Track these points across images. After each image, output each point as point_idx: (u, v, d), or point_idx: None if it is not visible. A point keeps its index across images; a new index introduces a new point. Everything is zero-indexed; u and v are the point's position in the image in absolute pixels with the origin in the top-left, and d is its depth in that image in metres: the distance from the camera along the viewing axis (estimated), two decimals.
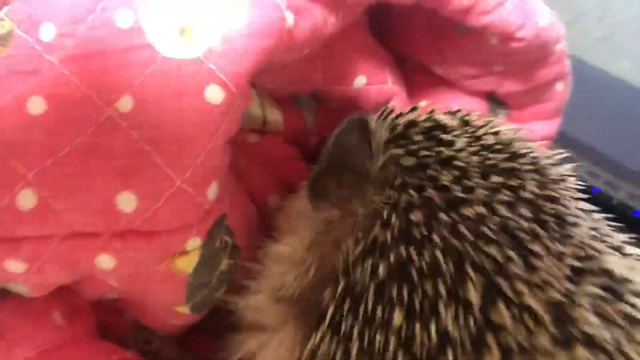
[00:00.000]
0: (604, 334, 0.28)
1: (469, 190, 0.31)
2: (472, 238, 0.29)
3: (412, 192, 0.31)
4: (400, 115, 0.36)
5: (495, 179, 0.31)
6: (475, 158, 0.32)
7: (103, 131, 0.29)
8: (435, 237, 0.29)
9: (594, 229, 0.32)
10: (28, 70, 0.28)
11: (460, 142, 0.33)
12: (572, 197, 0.33)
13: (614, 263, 0.31)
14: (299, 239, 0.35)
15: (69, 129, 0.29)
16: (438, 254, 0.29)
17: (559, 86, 0.46)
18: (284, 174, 0.44)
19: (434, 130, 0.34)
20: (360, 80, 0.43)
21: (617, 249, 0.32)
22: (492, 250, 0.29)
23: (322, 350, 0.30)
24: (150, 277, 0.33)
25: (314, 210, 0.35)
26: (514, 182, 0.31)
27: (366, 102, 0.43)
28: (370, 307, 0.29)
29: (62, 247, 0.30)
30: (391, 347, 0.29)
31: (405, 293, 0.29)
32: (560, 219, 0.31)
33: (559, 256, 0.30)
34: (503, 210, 0.30)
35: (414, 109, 0.36)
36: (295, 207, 0.38)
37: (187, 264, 0.33)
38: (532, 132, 0.44)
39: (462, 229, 0.29)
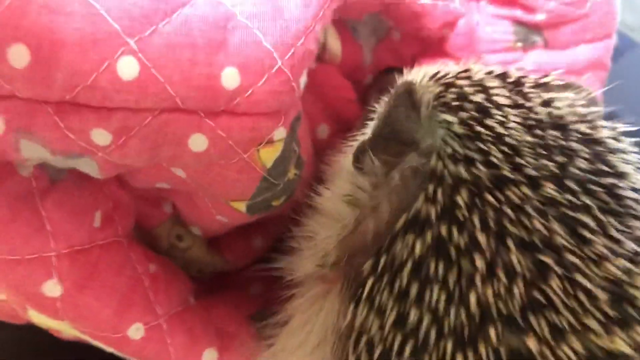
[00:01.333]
0: None
1: (518, 169, 0.30)
2: (515, 217, 0.28)
3: (460, 166, 0.30)
4: (446, 76, 0.34)
5: (544, 160, 0.30)
6: (528, 137, 0.31)
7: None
8: (476, 220, 0.29)
9: None
10: None
11: (512, 116, 0.31)
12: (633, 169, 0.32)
13: None
14: (340, 196, 0.35)
15: None
16: (479, 234, 0.28)
17: None
18: (335, 105, 0.44)
19: (484, 99, 0.32)
20: None
21: None
22: (537, 223, 0.28)
23: (358, 323, 0.30)
24: (231, 166, 0.32)
25: (358, 174, 0.34)
26: (562, 159, 0.30)
27: (432, 23, 0.42)
28: (405, 283, 0.29)
29: (156, 121, 0.29)
30: (424, 324, 0.28)
31: (441, 271, 0.29)
32: (615, 195, 0.30)
33: (616, 235, 0.28)
34: (550, 189, 0.29)
35: (464, 70, 0.35)
36: (344, 167, 0.37)
37: (270, 155, 0.32)
38: (577, 63, 0.42)
39: (506, 209, 0.29)
